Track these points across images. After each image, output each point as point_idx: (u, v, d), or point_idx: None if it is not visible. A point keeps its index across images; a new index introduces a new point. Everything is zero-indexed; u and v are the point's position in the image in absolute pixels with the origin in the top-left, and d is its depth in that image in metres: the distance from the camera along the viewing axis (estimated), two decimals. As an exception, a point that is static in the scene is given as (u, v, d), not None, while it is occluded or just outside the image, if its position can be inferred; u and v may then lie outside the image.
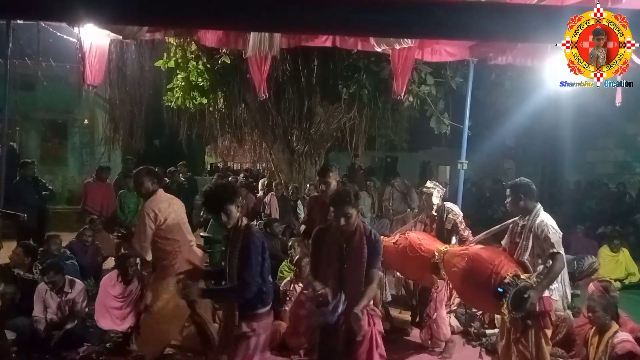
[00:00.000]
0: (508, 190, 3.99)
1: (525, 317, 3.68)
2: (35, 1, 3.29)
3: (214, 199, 3.21)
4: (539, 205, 3.89)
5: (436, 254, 4.44)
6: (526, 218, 3.89)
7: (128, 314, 5.06)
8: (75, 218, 9.55)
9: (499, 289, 3.59)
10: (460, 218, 4.98)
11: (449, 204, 5.09)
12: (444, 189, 5.31)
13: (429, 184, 5.18)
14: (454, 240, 4.89)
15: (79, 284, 5.18)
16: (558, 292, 3.92)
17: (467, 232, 4.91)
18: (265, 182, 10.20)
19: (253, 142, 11.88)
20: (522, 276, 3.62)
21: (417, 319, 5.32)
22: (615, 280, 6.70)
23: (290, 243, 6.10)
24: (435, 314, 4.92)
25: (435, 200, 5.01)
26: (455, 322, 5.54)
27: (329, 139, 10.14)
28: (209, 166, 18.75)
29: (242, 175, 12.61)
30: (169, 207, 4.21)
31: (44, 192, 7.97)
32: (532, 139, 15.87)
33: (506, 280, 3.58)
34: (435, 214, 5.01)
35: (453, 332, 5.36)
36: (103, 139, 11.52)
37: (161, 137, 12.36)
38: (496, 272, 3.67)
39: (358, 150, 10.47)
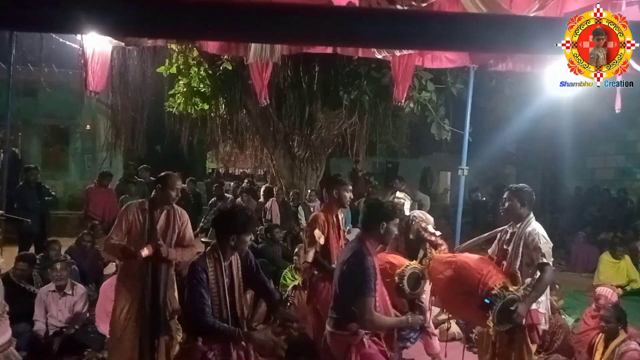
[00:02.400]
0: (509, 193, 3.83)
1: (511, 331, 3.54)
2: (38, 13, 3.30)
3: (225, 221, 3.07)
4: (532, 214, 3.78)
5: (396, 277, 4.12)
6: (517, 226, 3.77)
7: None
8: (76, 223, 9.57)
9: (486, 300, 3.43)
10: (424, 224, 4.73)
11: (415, 212, 4.97)
12: (412, 201, 5.20)
13: (399, 194, 5.03)
14: (420, 254, 4.58)
15: (81, 288, 5.20)
16: (544, 305, 3.72)
17: (434, 237, 4.61)
18: (266, 188, 10.21)
19: (254, 148, 11.91)
20: (510, 288, 3.47)
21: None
22: (617, 286, 6.72)
23: (296, 250, 6.09)
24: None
25: (407, 211, 4.91)
26: (456, 329, 5.54)
27: (330, 145, 10.16)
28: (209, 171, 18.75)
29: (246, 180, 12.63)
30: None
31: (46, 198, 8.00)
32: (533, 145, 15.89)
33: (494, 292, 3.43)
34: (404, 226, 4.81)
35: (454, 339, 5.35)
36: (105, 144, 11.55)
37: (163, 142, 12.37)
38: (484, 282, 3.51)
39: (359, 156, 10.49)
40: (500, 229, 4.02)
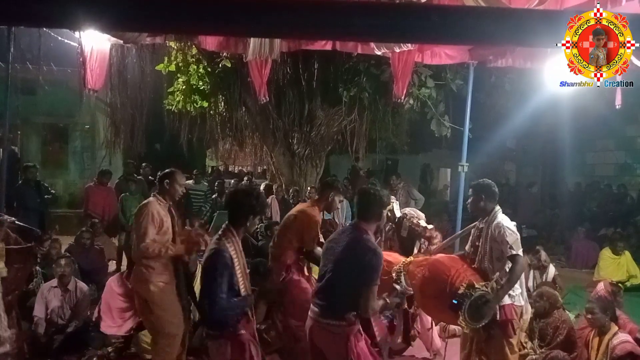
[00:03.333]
0: (470, 190, 3.89)
1: (487, 327, 3.53)
2: (36, 8, 3.29)
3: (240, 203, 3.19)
4: (497, 208, 3.76)
5: (393, 274, 4.13)
6: (484, 220, 3.77)
7: (130, 316, 5.07)
8: (76, 222, 9.57)
9: (453, 301, 3.44)
10: (416, 220, 4.78)
11: (406, 209, 5.02)
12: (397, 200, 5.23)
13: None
14: (415, 249, 4.67)
15: (83, 285, 5.22)
16: (523, 297, 3.70)
17: (428, 233, 4.68)
18: (266, 185, 10.23)
19: (254, 146, 11.90)
20: (476, 285, 3.46)
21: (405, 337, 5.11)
22: (617, 282, 6.71)
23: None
24: (420, 327, 4.91)
25: (398, 213, 4.93)
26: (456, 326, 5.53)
27: (329, 142, 10.16)
28: (209, 169, 18.72)
29: (245, 177, 12.63)
30: None
31: (46, 196, 7.99)
32: (533, 141, 15.87)
33: (460, 292, 3.43)
34: (394, 226, 4.91)
35: (454, 335, 5.35)
36: (104, 142, 11.56)
37: (162, 140, 12.38)
38: (451, 283, 3.52)
39: (359, 153, 10.48)
40: (471, 225, 4.02)
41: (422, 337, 5.02)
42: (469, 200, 3.88)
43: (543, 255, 5.97)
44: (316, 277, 3.81)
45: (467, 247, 4.00)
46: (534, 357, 4.56)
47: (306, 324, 3.22)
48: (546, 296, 4.76)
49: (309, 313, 3.20)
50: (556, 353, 4.56)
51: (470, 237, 3.97)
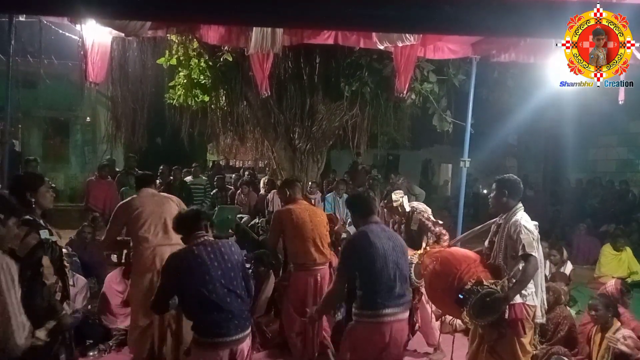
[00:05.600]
0: (494, 184, 3.80)
1: (496, 325, 3.49)
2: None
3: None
4: (519, 205, 3.68)
5: None
6: (503, 217, 3.70)
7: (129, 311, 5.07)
8: (77, 215, 9.57)
9: (460, 296, 3.44)
10: (427, 215, 4.80)
11: (414, 203, 5.04)
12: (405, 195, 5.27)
13: (394, 196, 5.05)
14: (424, 242, 4.68)
15: (82, 279, 5.21)
16: (536, 296, 3.60)
17: (437, 228, 4.69)
18: (267, 180, 10.22)
19: (255, 140, 11.86)
20: (485, 282, 3.43)
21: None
22: (618, 278, 6.72)
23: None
24: (420, 321, 4.92)
25: (407, 207, 4.95)
26: (457, 321, 5.53)
27: (330, 137, 10.12)
28: (210, 164, 18.71)
29: (247, 172, 12.62)
30: None
31: (46, 190, 7.97)
32: (535, 137, 15.85)
33: (467, 287, 3.41)
34: (403, 219, 4.92)
35: (455, 330, 5.35)
36: (105, 136, 11.55)
37: (163, 134, 12.33)
38: (459, 278, 3.51)
39: (360, 148, 10.45)
40: (492, 221, 3.95)
41: (422, 331, 5.03)
42: (491, 195, 3.80)
43: (564, 251, 6.39)
44: None
45: (485, 243, 3.93)
46: (534, 352, 4.56)
47: (381, 330, 3.24)
48: (552, 290, 4.75)
49: (389, 317, 3.26)
50: (557, 349, 4.57)
51: (489, 233, 3.89)
